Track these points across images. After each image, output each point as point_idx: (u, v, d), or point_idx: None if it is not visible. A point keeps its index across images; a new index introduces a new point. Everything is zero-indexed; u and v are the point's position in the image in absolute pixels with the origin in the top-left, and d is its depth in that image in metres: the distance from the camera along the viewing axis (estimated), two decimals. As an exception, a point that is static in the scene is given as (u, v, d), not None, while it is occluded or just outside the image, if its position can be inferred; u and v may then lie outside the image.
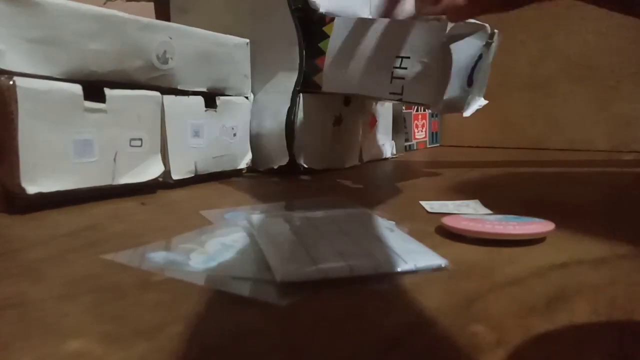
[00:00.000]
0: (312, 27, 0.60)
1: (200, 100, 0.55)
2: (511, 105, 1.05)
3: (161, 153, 0.50)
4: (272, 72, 0.64)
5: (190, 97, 0.54)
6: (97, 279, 0.25)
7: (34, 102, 0.39)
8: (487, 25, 0.48)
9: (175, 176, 0.52)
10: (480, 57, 0.49)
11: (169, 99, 0.50)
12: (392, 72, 0.49)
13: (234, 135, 0.60)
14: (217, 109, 0.57)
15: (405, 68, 0.48)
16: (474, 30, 0.47)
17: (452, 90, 0.49)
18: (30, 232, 0.34)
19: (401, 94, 0.49)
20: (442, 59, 0.46)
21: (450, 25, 0.45)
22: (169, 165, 0.51)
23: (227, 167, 0.59)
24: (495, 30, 0.49)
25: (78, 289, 0.23)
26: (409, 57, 0.48)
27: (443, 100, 0.48)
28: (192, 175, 0.54)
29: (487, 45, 0.49)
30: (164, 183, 0.51)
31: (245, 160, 0.62)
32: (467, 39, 0.47)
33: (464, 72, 0.49)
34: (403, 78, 0.48)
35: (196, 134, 0.54)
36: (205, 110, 0.55)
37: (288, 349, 0.18)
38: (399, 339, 0.18)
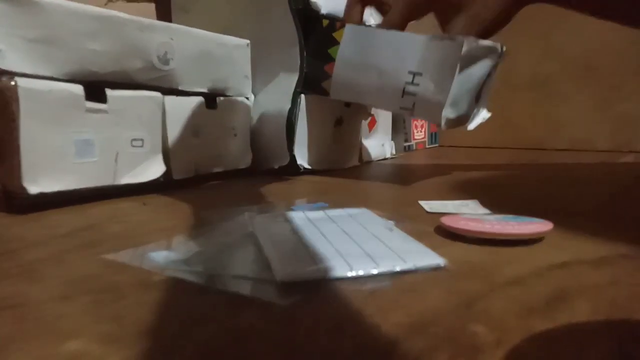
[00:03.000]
0: (321, 32, 0.60)
1: (200, 100, 0.55)
2: (512, 105, 1.05)
3: (162, 153, 0.50)
4: (273, 73, 0.64)
5: (190, 98, 0.54)
6: (97, 279, 0.25)
7: (35, 102, 0.39)
8: (499, 45, 0.48)
9: (176, 176, 0.52)
10: (489, 74, 0.50)
11: (169, 99, 0.51)
12: (404, 88, 0.48)
13: (235, 135, 0.60)
14: (218, 109, 0.57)
15: (418, 85, 0.48)
16: (488, 52, 0.47)
17: (461, 108, 0.49)
18: (30, 232, 0.34)
19: (412, 109, 0.49)
20: (451, 80, 0.46)
21: (465, 46, 0.45)
22: (170, 166, 0.51)
23: (228, 167, 0.59)
24: (504, 47, 0.49)
25: (78, 289, 0.23)
26: (421, 74, 0.47)
27: (451, 119, 0.48)
28: (193, 175, 0.54)
29: (497, 64, 0.49)
30: (164, 183, 0.51)
31: (245, 161, 0.62)
32: (480, 61, 0.47)
33: (474, 91, 0.50)
34: (415, 95, 0.48)
35: (196, 134, 0.54)
36: (206, 111, 0.55)
37: (288, 349, 0.18)
38: (399, 339, 0.18)
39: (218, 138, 0.57)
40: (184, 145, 0.53)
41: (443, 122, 0.48)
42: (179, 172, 0.52)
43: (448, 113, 0.48)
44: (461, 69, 0.45)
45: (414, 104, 0.48)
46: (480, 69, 0.48)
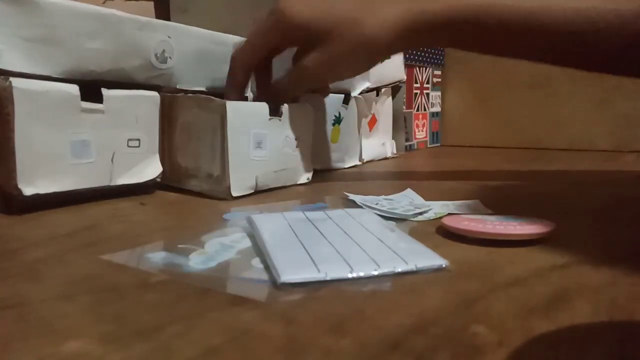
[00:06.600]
0: None
1: (264, 107, 0.49)
2: (512, 105, 1.05)
3: (219, 165, 0.46)
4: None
5: (254, 105, 0.49)
6: (96, 280, 0.25)
7: (30, 103, 0.38)
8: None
9: (235, 192, 0.46)
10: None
11: (231, 105, 0.45)
12: None
13: (296, 146, 0.54)
14: (282, 118, 0.51)
15: None
16: None
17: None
18: (28, 232, 0.34)
19: None
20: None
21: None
22: (229, 181, 0.45)
23: (287, 182, 0.53)
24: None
25: (77, 289, 0.23)
26: None
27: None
28: (252, 191, 0.48)
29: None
30: (162, 183, 0.51)
31: (306, 175, 0.55)
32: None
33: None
34: None
35: (259, 145, 0.48)
36: (270, 119, 0.50)
37: (288, 350, 0.17)
38: (399, 339, 0.18)
39: (280, 149, 0.51)
40: (245, 157, 0.47)
41: None
42: (239, 188, 0.46)
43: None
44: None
45: None
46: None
